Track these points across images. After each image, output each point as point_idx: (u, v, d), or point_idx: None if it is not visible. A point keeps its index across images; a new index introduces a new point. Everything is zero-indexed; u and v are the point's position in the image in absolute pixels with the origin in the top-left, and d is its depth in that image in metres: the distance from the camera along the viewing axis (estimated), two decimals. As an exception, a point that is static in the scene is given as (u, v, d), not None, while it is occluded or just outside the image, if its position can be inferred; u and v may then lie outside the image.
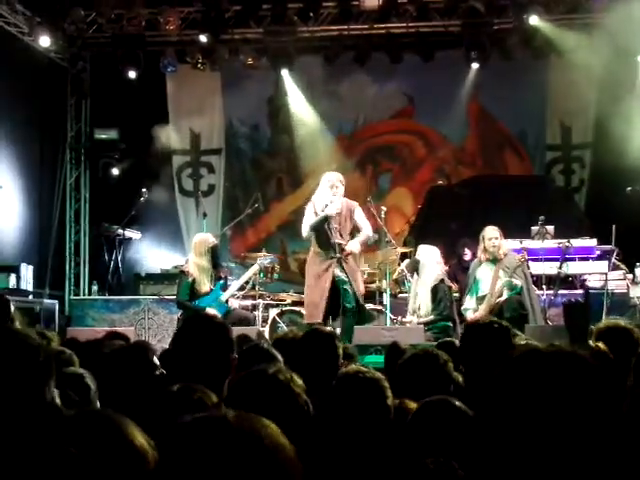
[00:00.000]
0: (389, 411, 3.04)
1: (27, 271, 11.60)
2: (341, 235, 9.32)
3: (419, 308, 9.80)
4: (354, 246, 9.32)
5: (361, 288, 9.39)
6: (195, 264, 9.45)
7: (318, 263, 9.31)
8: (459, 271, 11.19)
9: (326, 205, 9.23)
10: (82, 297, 13.46)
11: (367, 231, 9.52)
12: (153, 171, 13.37)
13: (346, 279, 9.15)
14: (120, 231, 12.95)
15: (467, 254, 11.55)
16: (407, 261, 11.17)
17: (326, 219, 9.22)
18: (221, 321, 3.62)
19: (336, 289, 9.13)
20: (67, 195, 14.16)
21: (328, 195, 9.30)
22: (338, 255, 9.15)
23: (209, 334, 3.01)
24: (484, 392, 1.57)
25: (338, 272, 9.18)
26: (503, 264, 9.55)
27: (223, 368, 2.98)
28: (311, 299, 9.32)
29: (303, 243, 13.64)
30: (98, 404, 3.69)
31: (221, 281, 9.63)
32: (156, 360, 3.95)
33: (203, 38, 12.91)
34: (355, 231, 9.45)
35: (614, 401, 1.58)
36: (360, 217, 9.51)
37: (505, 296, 9.53)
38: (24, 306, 10.98)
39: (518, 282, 9.54)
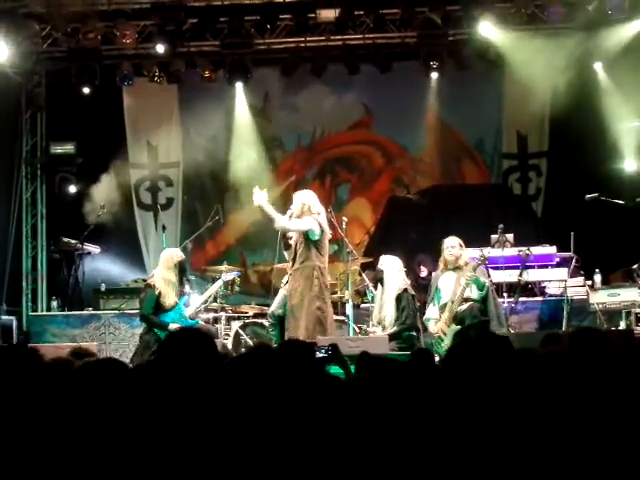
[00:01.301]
0: None
1: (-18, 288, 11.45)
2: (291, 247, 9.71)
3: (384, 318, 9.79)
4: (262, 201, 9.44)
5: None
6: (162, 278, 9.40)
7: None
8: (415, 289, 11.15)
9: None
10: (41, 313, 13.28)
11: (281, 219, 9.49)
12: (111, 185, 13.24)
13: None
14: (79, 246, 12.81)
15: (423, 271, 11.58)
16: (368, 271, 11.19)
17: None
18: (207, 333, 3.60)
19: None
20: (23, 211, 13.97)
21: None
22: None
23: (198, 347, 3.00)
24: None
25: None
26: (464, 272, 9.57)
27: (211, 380, 2.96)
28: None
29: (263, 255, 13.71)
30: None
31: (185, 297, 9.60)
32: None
33: (160, 49, 12.85)
34: (300, 241, 9.48)
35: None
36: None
37: (473, 295, 9.51)
38: (-20, 323, 10.87)
39: (485, 280, 9.56)
